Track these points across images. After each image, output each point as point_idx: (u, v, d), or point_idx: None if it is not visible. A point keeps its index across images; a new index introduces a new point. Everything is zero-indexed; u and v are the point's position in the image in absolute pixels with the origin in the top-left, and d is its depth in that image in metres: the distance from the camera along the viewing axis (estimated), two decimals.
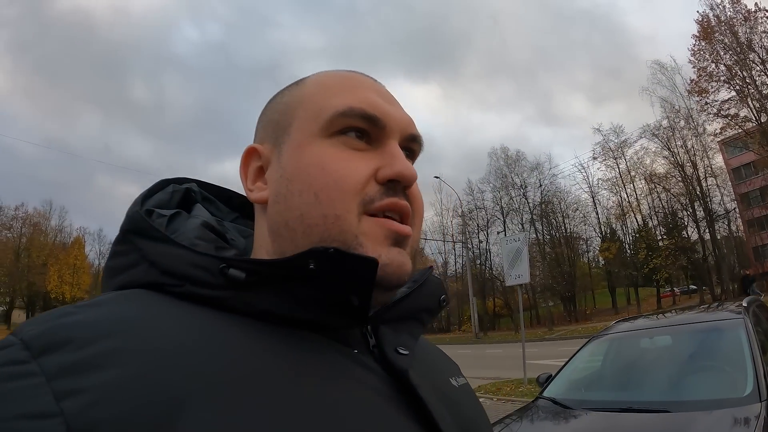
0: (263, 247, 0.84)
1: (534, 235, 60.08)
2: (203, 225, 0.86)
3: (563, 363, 6.49)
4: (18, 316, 77.07)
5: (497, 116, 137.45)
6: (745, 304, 6.07)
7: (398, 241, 0.80)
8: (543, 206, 60.77)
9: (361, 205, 0.79)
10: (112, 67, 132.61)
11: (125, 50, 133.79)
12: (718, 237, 49.42)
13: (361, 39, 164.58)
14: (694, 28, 46.99)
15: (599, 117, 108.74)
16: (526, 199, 62.20)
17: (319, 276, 0.73)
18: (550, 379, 6.21)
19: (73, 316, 0.62)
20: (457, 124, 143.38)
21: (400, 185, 0.82)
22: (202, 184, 1.01)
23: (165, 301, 0.71)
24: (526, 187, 62.22)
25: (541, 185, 61.53)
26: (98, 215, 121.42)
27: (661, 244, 51.44)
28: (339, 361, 0.74)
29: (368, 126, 0.83)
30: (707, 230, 48.38)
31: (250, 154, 0.89)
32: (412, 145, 0.89)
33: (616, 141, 54.75)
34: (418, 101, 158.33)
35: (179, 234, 0.81)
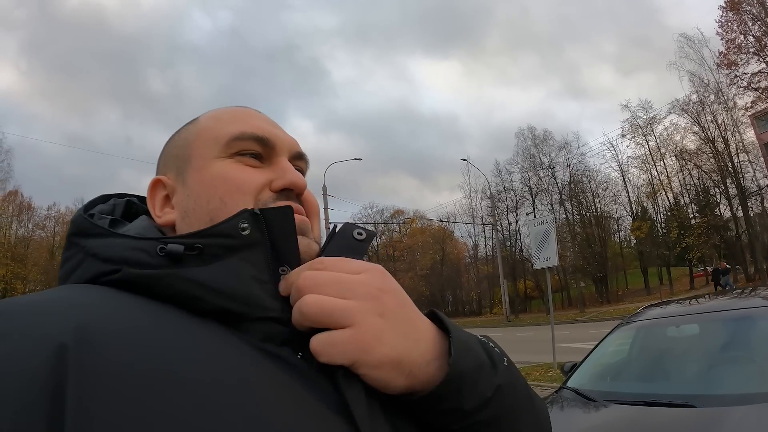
0: None
1: (564, 216, 59.82)
2: (147, 224, 0.91)
3: (590, 350, 6.26)
4: None
5: (522, 92, 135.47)
6: None
7: (301, 229, 0.89)
8: (572, 186, 60.07)
9: (256, 206, 0.87)
10: (127, 60, 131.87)
11: (138, 43, 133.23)
12: (752, 214, 48.34)
13: (376, 17, 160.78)
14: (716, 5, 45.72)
15: (628, 89, 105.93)
16: (554, 179, 61.71)
17: (251, 242, 0.81)
18: (574, 368, 6.00)
19: (11, 298, 0.67)
20: (480, 102, 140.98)
21: (292, 193, 0.92)
22: (142, 198, 1.03)
23: (91, 288, 0.74)
24: (554, 167, 61.70)
25: (569, 165, 60.82)
26: None
27: (693, 222, 50.58)
28: (248, 353, 0.74)
29: (260, 147, 0.93)
30: (740, 207, 47.48)
31: (155, 185, 0.97)
32: (299, 162, 1.00)
33: (644, 117, 53.98)
34: (439, 79, 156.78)
35: (125, 231, 0.85)
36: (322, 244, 0.95)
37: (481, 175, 59.94)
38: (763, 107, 45.55)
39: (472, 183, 68.86)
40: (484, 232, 69.98)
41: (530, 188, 63.16)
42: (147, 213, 0.98)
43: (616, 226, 62.01)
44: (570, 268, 57.40)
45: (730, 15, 44.72)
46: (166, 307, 0.73)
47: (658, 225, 56.97)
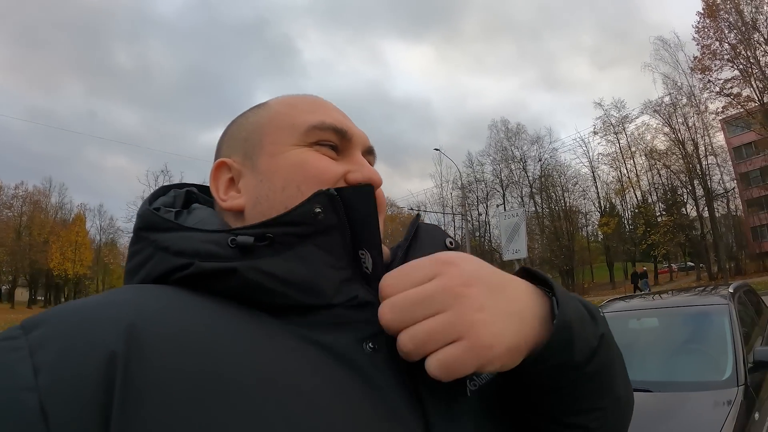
0: None
1: (533, 209, 60.72)
2: (217, 216, 0.92)
3: None
4: (21, 294, 77.73)
5: (496, 81, 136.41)
6: (731, 290, 6.41)
7: (382, 209, 0.91)
8: (542, 180, 61.15)
9: None
10: (92, 32, 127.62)
11: (104, 13, 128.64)
12: (717, 215, 49.65)
13: None
14: (700, 4, 46.68)
15: (603, 83, 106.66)
16: (525, 172, 62.67)
17: (326, 226, 0.80)
18: None
19: (68, 303, 0.67)
20: (454, 89, 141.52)
21: None
22: (201, 188, 1.06)
23: (150, 289, 0.73)
24: (525, 160, 62.68)
25: (540, 159, 62.00)
26: (98, 190, 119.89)
27: (659, 220, 51.66)
28: (320, 359, 0.73)
29: (337, 138, 0.93)
30: (706, 208, 48.69)
31: (219, 168, 0.96)
32: (369, 157, 1.00)
33: (617, 116, 55.27)
34: (413, 63, 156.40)
35: (197, 223, 0.86)
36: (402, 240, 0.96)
37: (453, 166, 60.71)
38: (733, 113, 46.68)
39: (443, 173, 69.08)
40: (454, 221, 70.42)
41: (501, 180, 64.03)
42: (206, 203, 1.01)
43: (584, 221, 63.25)
44: (538, 260, 58.14)
45: (707, 21, 45.49)
46: (227, 304, 0.73)
47: (626, 221, 58.35)
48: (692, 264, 54.10)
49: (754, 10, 43.69)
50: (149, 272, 0.78)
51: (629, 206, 58.12)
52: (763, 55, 43.13)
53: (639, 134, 54.10)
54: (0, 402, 0.54)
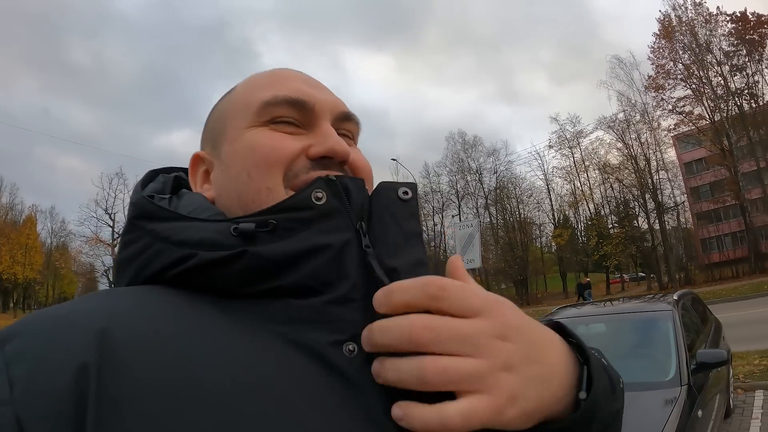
0: None
1: (488, 220, 61.52)
2: (201, 202, 0.87)
3: None
4: None
5: (455, 92, 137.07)
6: (676, 298, 6.93)
7: None
8: (498, 191, 61.95)
9: (286, 179, 0.81)
10: (49, 25, 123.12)
11: (62, 6, 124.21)
12: (668, 228, 51.30)
13: (313, 1, 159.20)
14: (657, 25, 48.27)
15: (560, 97, 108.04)
16: (481, 183, 63.46)
17: (327, 208, 0.75)
18: None
19: (40, 312, 0.67)
20: (412, 98, 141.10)
21: (334, 161, 0.84)
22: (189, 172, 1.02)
23: (128, 292, 0.73)
24: (481, 172, 63.39)
25: (496, 171, 62.77)
26: (50, 191, 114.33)
27: (612, 232, 53.36)
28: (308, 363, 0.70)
29: (295, 111, 0.85)
30: (657, 221, 50.26)
31: (195, 162, 0.94)
32: (346, 125, 0.92)
33: (572, 131, 56.66)
34: (372, 72, 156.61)
35: (191, 211, 0.82)
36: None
37: (410, 176, 61.43)
38: (685, 130, 48.60)
39: None
40: None
41: (457, 191, 64.73)
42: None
43: (538, 232, 64.60)
44: (492, 270, 59.50)
45: (663, 42, 47.33)
46: (210, 303, 0.71)
47: (579, 233, 59.82)
48: (643, 274, 55.80)
49: (708, 32, 45.67)
50: (144, 264, 0.77)
51: (582, 218, 59.63)
52: (715, 76, 45.23)
53: (593, 149, 55.58)
54: None
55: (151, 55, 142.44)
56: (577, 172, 57.16)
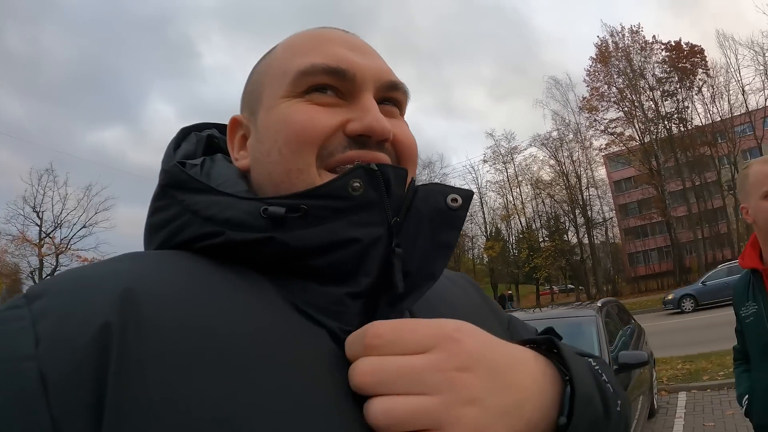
0: None
1: None
2: (240, 174, 0.84)
3: None
4: None
5: None
6: (600, 305, 7.70)
7: None
8: None
9: (319, 158, 0.77)
10: None
11: None
12: (596, 242, 54.34)
13: (258, 3, 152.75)
14: (595, 49, 51.38)
15: (497, 113, 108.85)
16: None
17: (363, 200, 0.71)
18: None
19: (68, 271, 0.66)
20: None
21: (371, 140, 0.78)
22: (221, 128, 0.99)
23: (166, 255, 0.72)
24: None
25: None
26: None
27: (542, 245, 55.58)
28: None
29: (335, 81, 0.79)
30: (586, 235, 53.14)
31: (234, 125, 0.90)
32: (393, 94, 0.85)
33: (507, 146, 58.39)
34: None
35: (222, 184, 0.79)
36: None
37: None
38: (615, 150, 51.82)
39: None
40: None
41: None
42: (225, 149, 0.94)
43: (470, 244, 65.74)
44: None
45: (599, 66, 50.47)
46: (237, 272, 0.70)
47: (510, 246, 61.70)
48: (572, 286, 58.47)
49: (643, 59, 49.07)
50: (174, 232, 0.75)
51: (514, 231, 61.58)
52: (646, 100, 48.73)
53: (526, 165, 57.61)
54: (3, 370, 0.54)
55: (89, 46, 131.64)
56: (510, 186, 58.93)
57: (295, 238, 0.70)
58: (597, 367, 0.81)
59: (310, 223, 0.70)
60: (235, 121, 0.90)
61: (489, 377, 0.63)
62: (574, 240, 55.38)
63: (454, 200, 0.78)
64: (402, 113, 0.89)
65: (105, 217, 45.77)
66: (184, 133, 0.95)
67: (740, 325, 2.87)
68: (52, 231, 44.88)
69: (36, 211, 45.85)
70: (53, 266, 43.47)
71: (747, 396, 2.83)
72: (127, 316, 0.57)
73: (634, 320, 10.18)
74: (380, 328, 0.64)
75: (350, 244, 0.71)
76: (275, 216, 0.69)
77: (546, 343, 0.78)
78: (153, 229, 0.79)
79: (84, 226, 45.03)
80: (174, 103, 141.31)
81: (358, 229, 0.71)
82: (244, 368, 0.59)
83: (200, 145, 0.93)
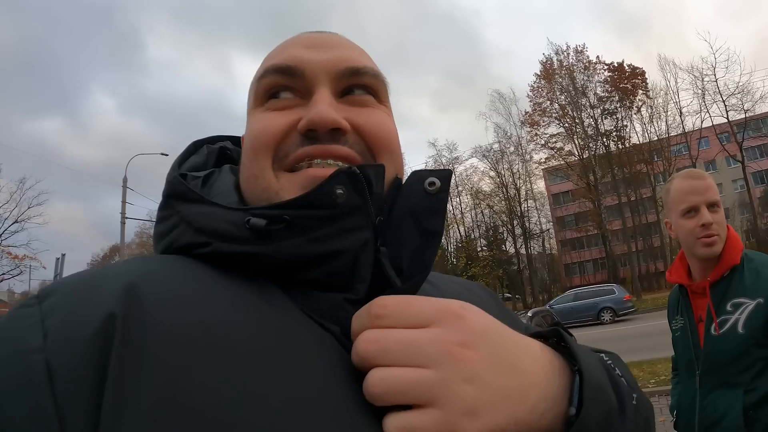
0: None
1: None
2: (236, 185, 0.84)
3: None
4: None
5: None
6: (530, 315, 8.41)
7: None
8: None
9: (276, 161, 0.77)
10: None
11: None
12: (533, 253, 56.28)
13: None
14: (539, 66, 53.18)
15: (442, 123, 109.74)
16: None
17: (347, 206, 0.70)
18: None
19: (77, 273, 0.68)
20: None
21: (323, 133, 0.76)
22: (236, 141, 1.01)
23: (173, 259, 0.72)
24: None
25: None
26: None
27: (481, 254, 56.88)
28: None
29: (287, 80, 0.79)
30: (524, 246, 54.82)
31: (243, 141, 0.88)
32: (358, 80, 0.82)
33: (448, 156, 59.62)
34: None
35: (217, 195, 0.80)
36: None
37: None
38: (555, 164, 53.58)
39: None
40: None
41: None
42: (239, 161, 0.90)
43: None
44: None
45: (543, 82, 52.30)
46: (238, 275, 0.70)
47: (449, 254, 62.56)
48: (509, 295, 59.07)
49: (585, 78, 50.99)
50: (173, 240, 0.76)
51: (453, 240, 62.48)
52: (587, 117, 50.47)
53: (467, 175, 59.28)
54: (12, 363, 0.55)
55: (32, 29, 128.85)
56: (450, 196, 59.85)
57: (280, 251, 0.69)
58: (609, 362, 0.80)
59: (295, 234, 0.69)
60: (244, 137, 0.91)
61: (492, 357, 0.62)
62: (512, 250, 56.85)
63: (432, 184, 0.76)
64: (380, 100, 0.86)
65: (38, 213, 43.05)
66: (195, 147, 0.96)
67: (672, 338, 2.88)
68: None
69: None
70: None
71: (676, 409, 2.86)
72: (131, 308, 0.58)
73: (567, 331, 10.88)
74: (386, 300, 0.64)
75: (338, 255, 0.71)
76: (256, 227, 0.69)
77: (553, 336, 0.77)
78: (158, 237, 0.81)
79: (16, 221, 42.39)
80: (116, 95, 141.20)
81: (344, 237, 0.71)
82: (245, 361, 0.59)
83: (212, 157, 0.95)
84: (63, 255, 30.97)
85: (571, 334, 0.76)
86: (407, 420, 0.57)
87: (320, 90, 0.78)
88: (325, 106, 0.76)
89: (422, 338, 0.60)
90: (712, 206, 2.58)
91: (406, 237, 0.75)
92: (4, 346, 0.57)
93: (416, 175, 0.78)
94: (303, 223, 0.69)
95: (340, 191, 0.69)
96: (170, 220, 0.78)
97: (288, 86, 0.79)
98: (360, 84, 0.82)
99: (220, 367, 0.57)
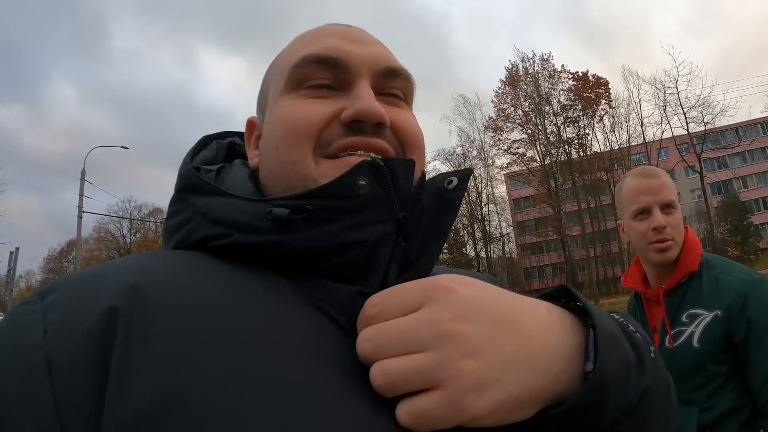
0: None
1: None
2: (251, 177, 0.84)
3: None
4: None
5: None
6: None
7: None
8: None
9: (318, 148, 0.76)
10: None
11: None
12: (493, 256, 57.02)
13: None
14: (505, 72, 54.16)
15: None
16: None
17: (369, 198, 0.70)
18: None
19: (80, 269, 0.68)
20: None
21: (368, 125, 0.76)
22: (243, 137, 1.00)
23: (177, 254, 0.72)
24: None
25: None
26: None
27: (441, 257, 56.77)
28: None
29: (328, 71, 0.79)
30: (483, 249, 55.45)
31: (249, 127, 0.92)
32: (393, 81, 0.83)
33: None
34: (225, 73, 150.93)
35: (231, 187, 0.80)
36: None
37: None
38: (517, 169, 54.21)
39: None
40: None
41: None
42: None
43: None
44: None
45: (507, 89, 52.88)
46: (248, 270, 0.70)
47: None
48: None
49: (550, 86, 51.86)
50: (187, 235, 0.76)
51: None
52: (550, 124, 51.22)
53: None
54: (13, 360, 0.55)
55: None
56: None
57: (301, 240, 0.69)
58: (621, 319, 0.77)
59: (317, 224, 0.69)
60: (250, 122, 0.93)
61: (491, 327, 0.59)
62: (472, 253, 57.33)
63: (450, 182, 0.77)
64: (408, 104, 0.88)
65: None
66: (206, 141, 0.96)
67: None
68: None
69: None
70: None
71: None
72: (134, 300, 0.58)
73: None
74: (374, 298, 0.64)
75: (358, 246, 0.71)
76: (280, 217, 0.69)
77: (561, 295, 0.75)
78: (170, 232, 0.81)
79: None
80: (77, 85, 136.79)
81: (366, 229, 0.71)
82: (247, 352, 0.58)
83: (221, 152, 0.95)
84: (17, 249, 30.84)
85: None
86: (415, 405, 0.56)
87: (362, 83, 0.79)
88: (372, 100, 0.76)
89: (414, 322, 0.59)
90: (666, 207, 2.39)
91: (420, 232, 0.75)
92: (5, 343, 0.57)
93: (441, 176, 0.79)
94: (325, 213, 0.69)
95: (362, 182, 0.69)
96: (183, 213, 0.78)
97: (327, 77, 0.79)
98: (395, 86, 0.84)
99: (224, 355, 0.57)
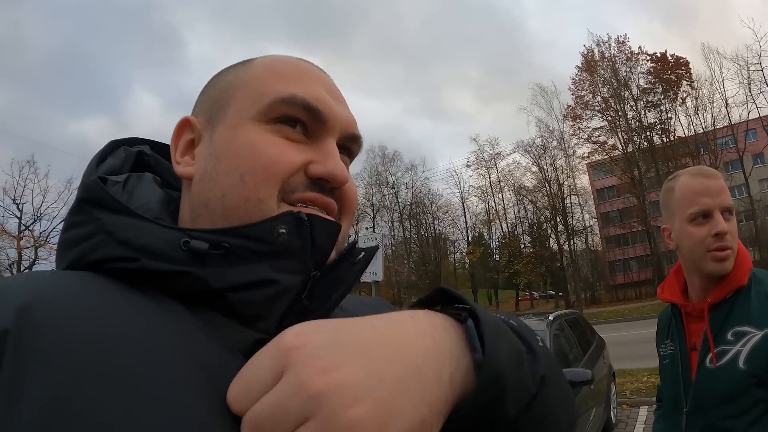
0: (185, 225, 0.80)
1: (402, 234, 62.95)
2: (163, 199, 0.83)
3: None
4: None
5: (380, 102, 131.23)
6: (551, 318, 7.78)
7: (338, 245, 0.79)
8: (413, 206, 63.25)
9: (282, 192, 0.76)
10: None
11: None
12: (577, 250, 54.78)
13: None
14: (581, 58, 51.77)
15: (483, 116, 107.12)
16: (397, 198, 64.36)
17: (285, 246, 0.71)
18: None
19: None
20: None
21: (328, 185, 0.78)
22: (154, 146, 0.97)
23: (92, 278, 0.68)
24: (398, 186, 64.33)
25: (413, 186, 63.94)
26: None
27: (524, 251, 55.97)
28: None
29: (308, 118, 0.79)
30: (567, 243, 53.40)
31: (183, 126, 0.86)
32: (351, 144, 0.87)
33: (490, 152, 58.80)
34: None
35: (141, 206, 0.78)
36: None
37: None
38: (598, 158, 52.15)
39: None
40: None
41: (373, 204, 64.88)
42: (158, 164, 0.94)
43: (452, 248, 66.15)
44: (405, 283, 60.64)
45: (584, 75, 51.00)
46: (142, 293, 0.67)
47: (492, 251, 62.03)
48: (553, 292, 58.58)
49: (628, 69, 49.52)
50: (87, 251, 0.72)
51: (496, 236, 62.00)
52: (630, 110, 48.96)
53: (509, 171, 57.93)
54: None
55: (69, 30, 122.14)
56: (492, 192, 59.24)
57: (213, 276, 0.68)
58: (501, 317, 0.75)
59: (231, 262, 0.69)
60: (186, 121, 0.86)
61: (361, 361, 0.55)
62: (555, 247, 55.60)
63: (358, 253, 0.81)
64: (351, 161, 0.90)
65: None
66: (113, 147, 0.91)
67: (659, 365, 2.43)
68: (32, 224, 43.48)
69: (16, 203, 44.97)
70: (31, 259, 42.58)
71: None
72: (23, 325, 0.55)
73: (594, 333, 10.17)
74: (231, 389, 0.58)
75: (267, 285, 0.70)
76: (197, 250, 0.67)
77: (438, 298, 0.73)
78: (66, 246, 0.76)
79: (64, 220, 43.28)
80: (158, 94, 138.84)
81: (277, 274, 0.71)
82: (138, 376, 0.56)
83: (128, 161, 0.90)
84: None
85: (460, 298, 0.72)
86: None
87: (332, 142, 0.81)
88: (340, 162, 0.79)
89: (279, 397, 0.53)
90: (726, 212, 2.09)
91: (324, 294, 0.77)
92: None
93: (354, 247, 0.82)
94: (240, 253, 0.70)
95: (282, 230, 0.71)
96: (85, 227, 0.73)
97: (304, 122, 0.79)
98: (353, 148, 0.88)
99: (112, 381, 0.54)
